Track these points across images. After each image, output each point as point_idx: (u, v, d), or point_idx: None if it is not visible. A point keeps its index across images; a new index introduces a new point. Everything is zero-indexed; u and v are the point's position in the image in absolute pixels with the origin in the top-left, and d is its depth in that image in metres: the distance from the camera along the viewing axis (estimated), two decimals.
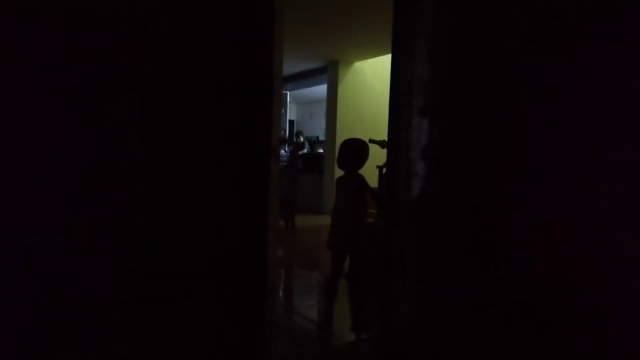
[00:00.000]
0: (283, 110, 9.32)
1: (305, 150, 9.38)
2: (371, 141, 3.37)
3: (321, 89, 8.36)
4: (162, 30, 1.29)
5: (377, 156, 3.39)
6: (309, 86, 8.97)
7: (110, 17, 1.20)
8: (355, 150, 2.81)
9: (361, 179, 2.72)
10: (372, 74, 7.24)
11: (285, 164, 6.24)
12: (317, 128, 11.53)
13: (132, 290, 1.28)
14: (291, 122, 11.92)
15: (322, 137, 9.70)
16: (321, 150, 9.00)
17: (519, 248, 1.26)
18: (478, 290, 1.38)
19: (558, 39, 1.16)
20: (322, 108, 8.90)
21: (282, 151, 6.89)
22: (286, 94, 9.98)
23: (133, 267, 1.28)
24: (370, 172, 3.19)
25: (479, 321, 1.38)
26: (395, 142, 1.80)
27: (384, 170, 3.30)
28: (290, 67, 7.57)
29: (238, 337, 1.50)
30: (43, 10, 1.11)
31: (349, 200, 2.67)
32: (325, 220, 6.80)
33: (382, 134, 2.22)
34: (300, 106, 12.73)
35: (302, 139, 9.70)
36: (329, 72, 7.31)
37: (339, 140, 7.12)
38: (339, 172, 7.63)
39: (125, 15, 1.23)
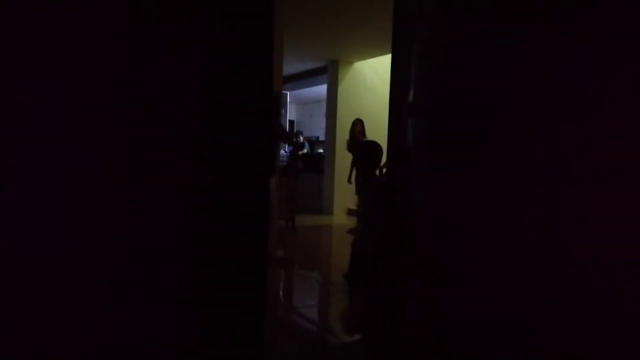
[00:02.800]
0: (283, 110, 9.33)
1: (305, 150, 9.38)
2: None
3: (321, 89, 8.37)
4: (162, 31, 1.29)
5: None
6: (309, 86, 8.99)
7: (110, 17, 1.20)
8: (370, 151, 2.87)
9: (377, 180, 2.77)
10: (372, 73, 7.24)
11: (285, 164, 6.24)
12: (317, 128, 11.53)
13: (131, 289, 1.28)
14: (291, 122, 11.92)
15: (322, 137, 9.71)
16: (321, 150, 9.00)
17: (519, 247, 1.26)
18: (478, 289, 1.38)
19: (559, 39, 1.16)
20: (322, 108, 8.90)
21: (282, 151, 6.90)
22: (286, 94, 9.99)
23: (133, 267, 1.28)
24: None
25: (479, 320, 1.38)
26: (395, 142, 1.80)
27: (384, 170, 3.31)
28: (290, 67, 7.58)
29: (238, 337, 1.50)
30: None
31: (367, 202, 2.74)
32: (326, 220, 6.83)
33: (382, 134, 2.23)
34: (300, 106, 12.73)
35: (302, 139, 9.70)
36: (329, 72, 7.31)
37: (339, 140, 7.16)
38: (339, 173, 7.66)
39: (124, 14, 1.23)
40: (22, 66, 1.10)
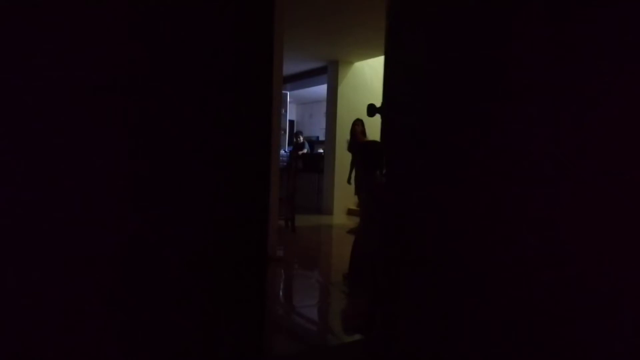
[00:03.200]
0: (283, 110, 9.33)
1: (305, 150, 9.38)
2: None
3: (321, 89, 8.37)
4: (162, 31, 1.29)
5: None
6: (309, 86, 8.99)
7: (110, 19, 1.20)
8: (370, 151, 2.87)
9: (374, 179, 2.76)
10: (372, 73, 7.24)
11: (285, 164, 6.25)
12: (317, 128, 11.54)
13: (131, 289, 1.28)
14: (291, 122, 11.93)
15: (322, 137, 9.71)
16: (321, 150, 9.00)
17: (516, 248, 1.26)
18: (473, 291, 1.38)
19: (547, 40, 1.16)
20: (322, 108, 8.91)
21: (282, 151, 6.90)
22: (286, 94, 9.99)
23: (133, 266, 1.28)
24: None
25: (475, 321, 1.38)
26: (390, 142, 1.80)
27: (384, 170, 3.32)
28: (290, 67, 7.58)
29: (238, 337, 1.50)
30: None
31: (367, 202, 2.73)
32: (326, 220, 6.83)
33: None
34: (300, 106, 12.73)
35: (302, 139, 9.70)
36: (329, 72, 7.31)
37: (339, 140, 7.16)
38: (339, 173, 7.67)
39: (123, 14, 1.23)
40: (23, 68, 1.10)
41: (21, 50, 1.09)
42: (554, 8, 1.17)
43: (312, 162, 8.08)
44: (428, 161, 1.62)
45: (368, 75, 7.27)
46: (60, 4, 1.13)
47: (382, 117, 1.80)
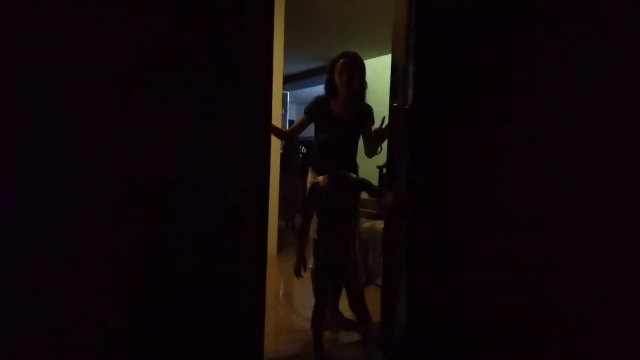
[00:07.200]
0: (283, 110, 9.32)
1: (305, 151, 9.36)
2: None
3: (321, 89, 8.35)
4: (162, 32, 1.29)
5: (377, 156, 3.39)
6: (309, 86, 8.98)
7: (110, 20, 1.20)
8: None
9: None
10: (372, 73, 7.22)
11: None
12: None
13: (131, 290, 1.28)
14: (291, 122, 11.91)
15: None
16: None
17: (523, 246, 1.26)
18: (479, 290, 1.38)
19: (544, 42, 1.16)
20: None
21: (282, 151, 6.85)
22: (286, 94, 9.97)
23: (132, 267, 1.28)
24: (371, 172, 3.20)
25: (480, 320, 1.37)
26: (395, 141, 1.80)
27: (384, 170, 3.31)
28: (290, 67, 7.57)
29: (238, 336, 1.50)
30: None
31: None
32: None
33: None
34: (300, 106, 12.72)
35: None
36: None
37: None
38: None
39: (123, 11, 1.23)
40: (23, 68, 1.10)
41: (19, 49, 1.09)
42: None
43: None
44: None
45: (369, 75, 7.25)
46: (57, 2, 1.13)
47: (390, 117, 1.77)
